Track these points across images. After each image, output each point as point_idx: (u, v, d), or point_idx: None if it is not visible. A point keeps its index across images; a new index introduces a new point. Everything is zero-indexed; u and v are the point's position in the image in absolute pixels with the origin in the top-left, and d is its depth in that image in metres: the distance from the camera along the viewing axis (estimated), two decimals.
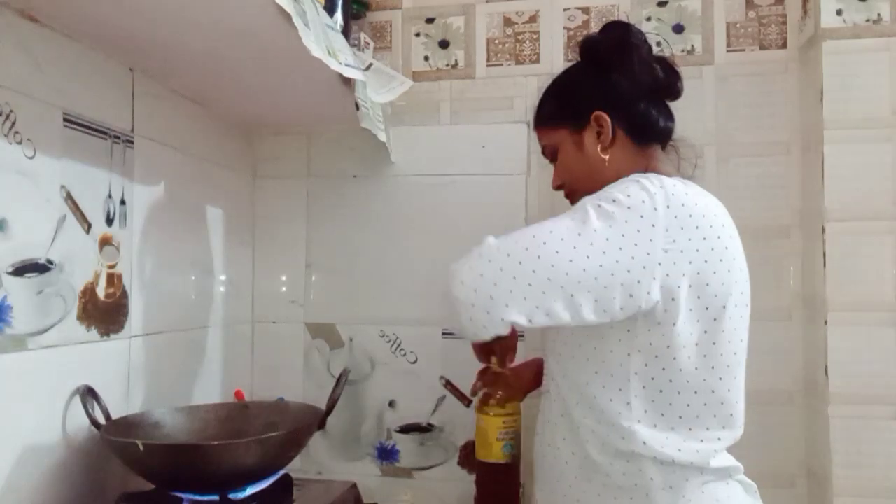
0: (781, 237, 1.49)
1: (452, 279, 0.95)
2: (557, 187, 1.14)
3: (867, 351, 1.33)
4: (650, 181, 0.92)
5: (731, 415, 0.95)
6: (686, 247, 0.89)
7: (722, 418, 0.94)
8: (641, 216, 0.89)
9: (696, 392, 0.93)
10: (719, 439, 0.94)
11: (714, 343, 0.93)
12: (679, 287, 0.89)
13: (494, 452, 1.17)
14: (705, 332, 0.92)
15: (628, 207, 0.89)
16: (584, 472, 0.97)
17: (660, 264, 0.88)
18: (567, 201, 1.15)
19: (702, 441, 0.93)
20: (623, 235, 0.88)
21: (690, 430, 0.93)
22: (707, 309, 0.92)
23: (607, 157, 1.05)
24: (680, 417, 0.93)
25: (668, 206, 0.89)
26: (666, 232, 0.89)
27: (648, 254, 0.88)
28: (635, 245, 0.88)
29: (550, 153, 1.14)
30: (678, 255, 0.89)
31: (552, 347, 1.05)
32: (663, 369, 0.92)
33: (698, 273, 0.90)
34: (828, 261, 1.35)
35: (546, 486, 1.04)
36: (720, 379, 0.93)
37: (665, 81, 1.09)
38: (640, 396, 0.93)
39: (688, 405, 0.93)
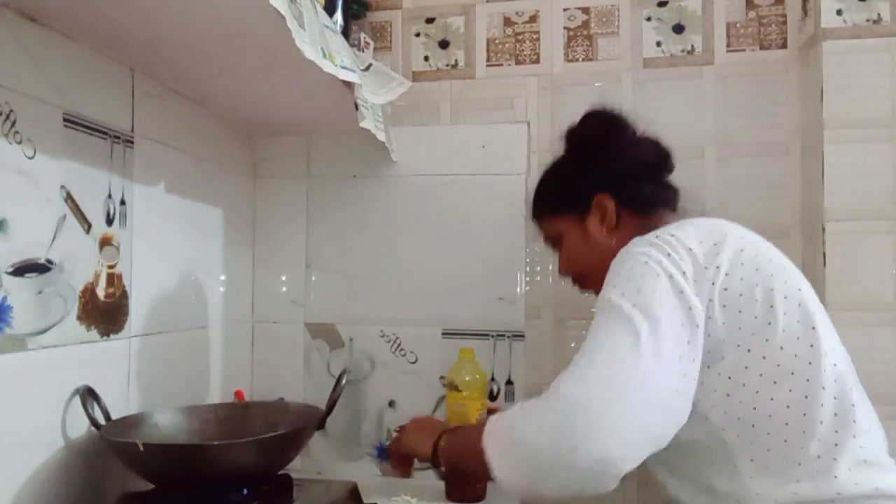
0: (781, 237, 1.49)
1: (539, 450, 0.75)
2: (564, 274, 1.13)
3: (867, 351, 1.33)
4: (652, 250, 0.86)
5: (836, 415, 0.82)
6: (712, 277, 0.84)
7: (831, 425, 0.82)
8: (657, 274, 0.82)
9: (786, 423, 0.82)
10: (835, 459, 0.80)
11: (764, 357, 0.83)
12: (711, 320, 0.83)
13: None
14: (766, 340, 0.83)
15: (642, 275, 0.83)
16: None
17: (689, 307, 0.82)
18: None
19: (819, 471, 0.79)
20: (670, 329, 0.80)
21: (800, 463, 0.80)
22: (740, 329, 0.83)
23: (614, 239, 1.01)
24: (784, 458, 0.81)
25: (668, 255, 0.85)
26: (683, 276, 0.83)
27: (682, 304, 0.81)
28: (681, 325, 0.80)
29: (553, 242, 1.15)
30: (704, 288, 0.83)
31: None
32: (745, 409, 0.83)
33: (724, 305, 0.83)
34: (828, 261, 1.35)
35: None
36: (806, 379, 0.83)
37: (655, 158, 1.08)
38: (743, 451, 0.82)
39: (785, 440, 0.81)
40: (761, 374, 0.82)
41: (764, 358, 0.82)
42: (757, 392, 0.81)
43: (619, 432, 0.72)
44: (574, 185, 1.09)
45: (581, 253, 1.08)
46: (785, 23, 1.52)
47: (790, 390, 0.81)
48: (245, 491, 1.02)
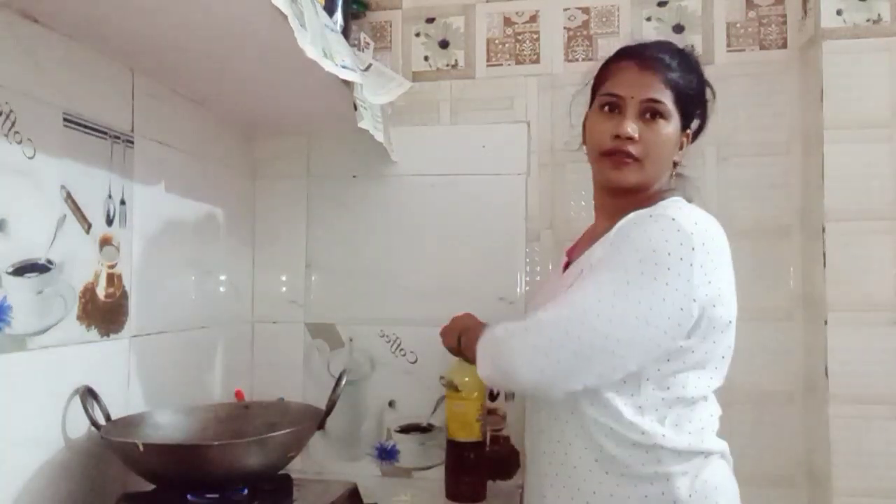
0: (781, 237, 1.49)
1: (509, 360, 0.99)
2: (629, 139, 1.05)
3: (867, 351, 1.33)
4: (683, 217, 0.97)
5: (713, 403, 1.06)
6: (712, 279, 0.96)
7: (715, 407, 1.06)
8: (681, 258, 0.94)
9: (691, 398, 1.00)
10: (710, 425, 1.04)
11: (709, 352, 1.01)
12: (703, 315, 0.97)
13: (475, 432, 1.37)
14: (713, 342, 1.00)
15: (668, 254, 0.94)
16: (601, 465, 0.99)
17: (695, 300, 0.95)
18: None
19: (702, 429, 1.01)
20: (667, 284, 0.94)
21: (691, 421, 1.00)
22: (714, 328, 0.99)
23: (671, 173, 1.12)
24: (689, 421, 1.00)
25: (703, 244, 0.95)
26: (701, 268, 0.95)
27: (686, 295, 0.94)
28: (676, 290, 0.94)
29: (647, 109, 1.06)
30: (707, 287, 0.96)
31: None
32: (673, 379, 0.99)
33: (713, 304, 0.97)
34: (828, 261, 1.35)
35: (557, 481, 1.04)
36: (716, 377, 1.04)
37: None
38: (652, 399, 0.98)
39: (694, 408, 1.01)
40: (697, 360, 0.99)
41: (706, 353, 1.00)
42: (686, 369, 0.99)
43: (574, 373, 0.96)
44: (698, 108, 1.13)
45: (663, 146, 1.07)
46: (785, 23, 1.52)
47: (699, 378, 1.00)
48: (245, 491, 1.03)
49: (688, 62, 1.11)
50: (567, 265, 1.16)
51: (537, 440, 1.09)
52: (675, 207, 1.01)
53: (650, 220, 0.98)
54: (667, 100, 1.06)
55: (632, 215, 1.02)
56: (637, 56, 1.08)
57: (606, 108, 1.08)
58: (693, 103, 1.11)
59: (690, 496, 0.96)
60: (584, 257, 1.08)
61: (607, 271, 0.97)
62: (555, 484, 1.04)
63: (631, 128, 1.04)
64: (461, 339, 1.19)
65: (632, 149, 1.05)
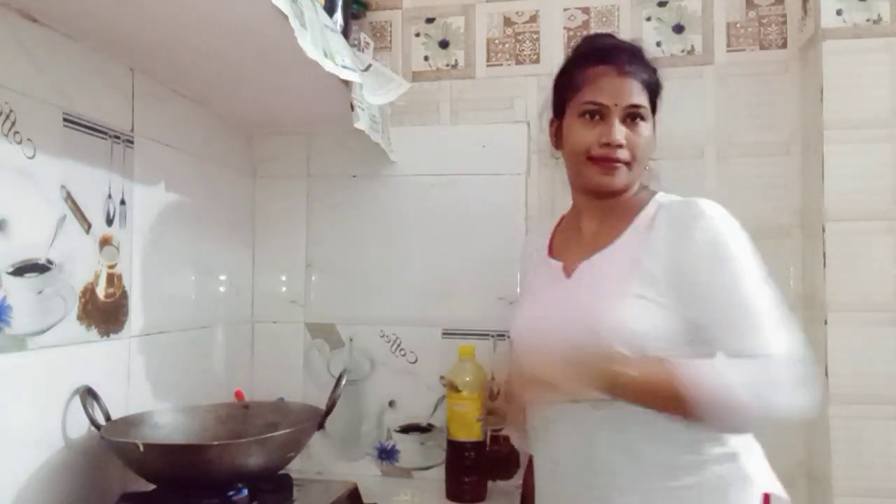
0: (781, 237, 1.49)
1: (773, 401, 0.93)
2: (619, 146, 1.06)
3: (867, 351, 1.33)
4: (723, 209, 1.05)
5: None
6: None
7: None
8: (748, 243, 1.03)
9: None
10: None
11: None
12: None
13: (475, 432, 1.38)
14: None
15: (745, 241, 1.03)
16: (672, 457, 0.99)
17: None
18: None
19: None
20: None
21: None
22: None
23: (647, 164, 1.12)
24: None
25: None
26: None
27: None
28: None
29: (629, 113, 1.06)
30: None
31: None
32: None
33: None
34: (828, 261, 1.35)
35: (626, 487, 1.01)
36: None
37: None
38: None
39: None
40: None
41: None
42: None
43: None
44: (657, 96, 1.12)
45: (647, 145, 1.08)
46: (785, 23, 1.52)
47: None
48: (245, 491, 1.02)
49: (647, 60, 1.12)
50: (566, 268, 1.12)
51: (587, 452, 1.03)
52: (705, 202, 1.04)
53: (708, 217, 1.02)
54: (645, 102, 1.08)
55: (671, 210, 1.04)
56: (613, 62, 1.08)
57: (587, 115, 1.08)
58: (658, 99, 1.12)
59: (757, 470, 1.03)
60: (603, 261, 1.05)
61: (742, 277, 1.00)
62: (624, 490, 1.01)
63: (620, 134, 1.05)
64: (609, 377, 0.94)
65: (620, 154, 1.06)
